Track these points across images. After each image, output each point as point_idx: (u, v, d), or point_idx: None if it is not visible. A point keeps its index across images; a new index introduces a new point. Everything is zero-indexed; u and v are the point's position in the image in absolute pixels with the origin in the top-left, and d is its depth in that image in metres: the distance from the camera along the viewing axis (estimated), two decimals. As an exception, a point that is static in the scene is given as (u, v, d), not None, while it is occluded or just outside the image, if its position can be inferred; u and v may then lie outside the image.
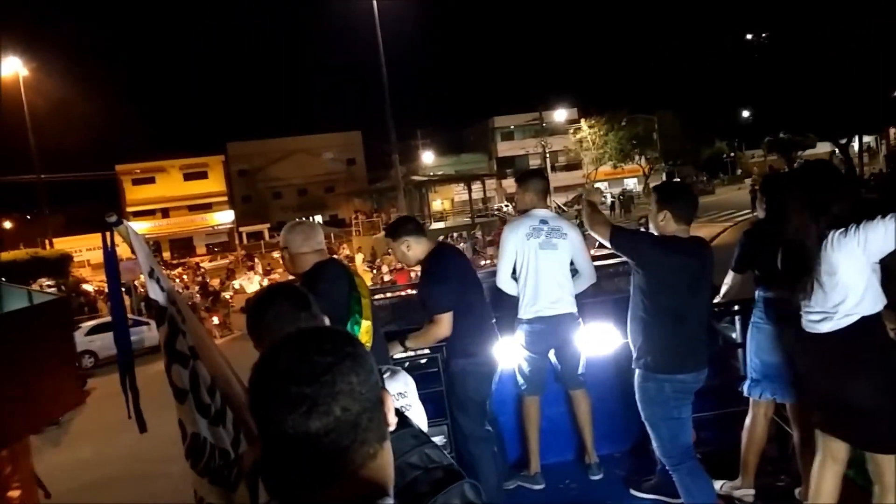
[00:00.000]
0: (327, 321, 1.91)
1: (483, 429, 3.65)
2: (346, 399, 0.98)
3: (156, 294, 2.21)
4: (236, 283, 28.62)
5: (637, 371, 3.31)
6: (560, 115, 50.06)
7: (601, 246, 5.38)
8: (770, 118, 29.23)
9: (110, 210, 2.30)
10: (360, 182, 53.79)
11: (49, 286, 27.03)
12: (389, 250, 4.47)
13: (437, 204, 47.43)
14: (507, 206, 42.78)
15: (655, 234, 3.27)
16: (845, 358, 2.72)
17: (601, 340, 4.10)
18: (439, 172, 46.75)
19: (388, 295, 6.11)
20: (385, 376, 2.22)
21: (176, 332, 2.19)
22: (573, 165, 52.21)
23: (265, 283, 24.30)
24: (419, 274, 3.75)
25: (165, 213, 53.68)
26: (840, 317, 2.69)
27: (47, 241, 32.75)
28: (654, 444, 3.34)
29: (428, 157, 51.56)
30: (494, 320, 3.75)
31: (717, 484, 3.53)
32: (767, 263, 3.02)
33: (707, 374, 3.30)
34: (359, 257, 28.18)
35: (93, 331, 18.61)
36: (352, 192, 47.86)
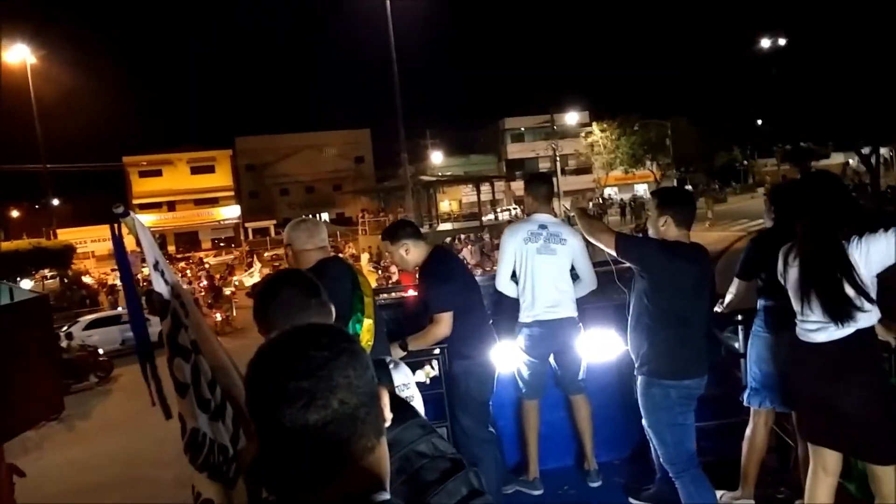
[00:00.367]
0: (335, 310, 1.89)
1: (486, 430, 3.65)
2: (344, 392, 0.98)
3: (160, 286, 2.21)
4: (236, 279, 28.60)
5: (640, 378, 3.30)
6: (571, 118, 49.84)
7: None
8: (789, 126, 28.91)
9: (118, 201, 2.31)
10: (368, 180, 53.56)
11: (51, 277, 26.76)
12: (387, 253, 4.47)
13: (445, 205, 47.38)
14: (515, 208, 42.73)
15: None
16: (839, 368, 2.73)
17: (603, 346, 4.08)
18: (448, 173, 46.56)
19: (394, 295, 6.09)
20: (390, 367, 2.24)
21: (178, 325, 2.19)
22: (583, 169, 51.67)
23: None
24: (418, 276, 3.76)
25: (171, 206, 53.72)
26: (836, 328, 2.70)
27: (51, 232, 32.50)
28: (659, 452, 3.33)
29: (437, 157, 51.51)
30: (492, 322, 3.76)
31: (717, 494, 3.51)
32: (773, 272, 3.01)
33: (709, 384, 3.30)
34: (364, 257, 28.02)
35: (91, 325, 18.34)
36: (359, 191, 47.66)
